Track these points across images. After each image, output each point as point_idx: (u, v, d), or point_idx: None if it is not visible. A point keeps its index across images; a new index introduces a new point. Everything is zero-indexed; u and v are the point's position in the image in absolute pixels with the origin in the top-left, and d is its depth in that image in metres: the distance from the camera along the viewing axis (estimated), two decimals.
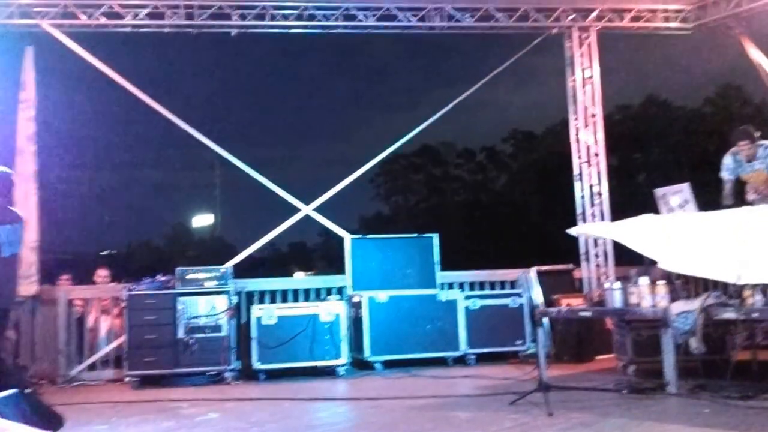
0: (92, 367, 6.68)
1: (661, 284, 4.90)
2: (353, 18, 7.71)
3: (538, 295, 7.16)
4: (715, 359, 4.87)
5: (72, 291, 6.90)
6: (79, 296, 6.86)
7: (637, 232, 5.10)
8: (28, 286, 6.36)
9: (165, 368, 6.06)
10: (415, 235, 7.25)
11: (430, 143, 28.77)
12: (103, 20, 7.31)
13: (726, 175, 6.00)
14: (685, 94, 23.64)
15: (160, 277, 6.40)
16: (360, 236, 7.21)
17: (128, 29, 7.44)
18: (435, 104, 8.46)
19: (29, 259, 6.41)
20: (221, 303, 6.23)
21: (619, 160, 22.76)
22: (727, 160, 5.99)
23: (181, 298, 6.18)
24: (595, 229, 5.43)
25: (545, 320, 6.50)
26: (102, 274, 7.46)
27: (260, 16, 7.52)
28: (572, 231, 6.36)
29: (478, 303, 7.04)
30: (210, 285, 6.30)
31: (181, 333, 6.08)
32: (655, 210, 5.41)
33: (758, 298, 4.39)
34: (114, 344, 6.64)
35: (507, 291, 7.39)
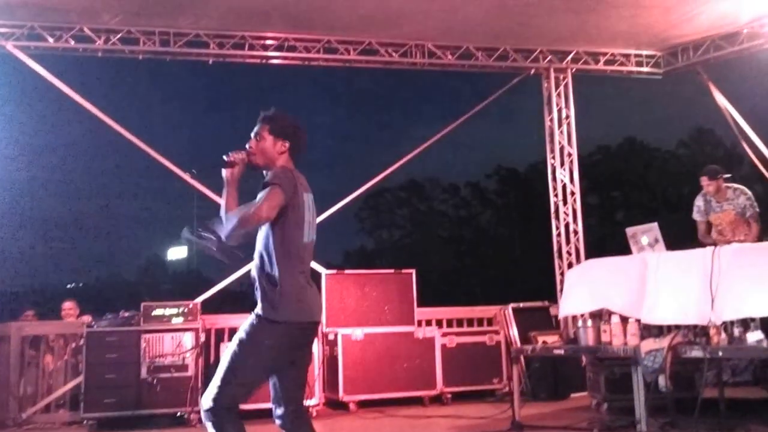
0: (47, 408, 6.25)
1: (632, 322, 4.93)
2: (335, 51, 7.76)
3: (514, 333, 7.16)
4: (684, 397, 4.89)
5: (24, 327, 6.43)
6: (34, 332, 6.41)
7: (613, 292, 5.16)
8: None
9: (126, 410, 5.72)
10: (393, 270, 7.24)
11: (416, 178, 28.97)
12: (72, 44, 7.07)
13: (697, 216, 6.12)
14: (660, 136, 24.25)
15: (124, 313, 6.13)
16: (336, 271, 7.18)
17: (99, 54, 7.22)
18: (418, 138, 8.55)
19: None
20: (188, 341, 6.01)
21: (600, 198, 23.11)
22: (699, 202, 6.11)
23: (146, 335, 5.91)
24: (583, 306, 5.46)
25: (521, 358, 6.50)
26: (67, 306, 7.14)
27: (239, 46, 7.46)
28: (562, 314, 6.36)
29: (456, 340, 6.99)
30: (177, 321, 6.06)
31: (144, 373, 5.80)
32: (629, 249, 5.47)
33: (723, 337, 4.43)
34: (71, 384, 6.25)
35: (484, 328, 7.38)
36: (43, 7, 6.62)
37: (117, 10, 6.82)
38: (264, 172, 2.89)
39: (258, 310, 2.76)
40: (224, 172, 2.87)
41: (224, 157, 2.88)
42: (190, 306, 6.23)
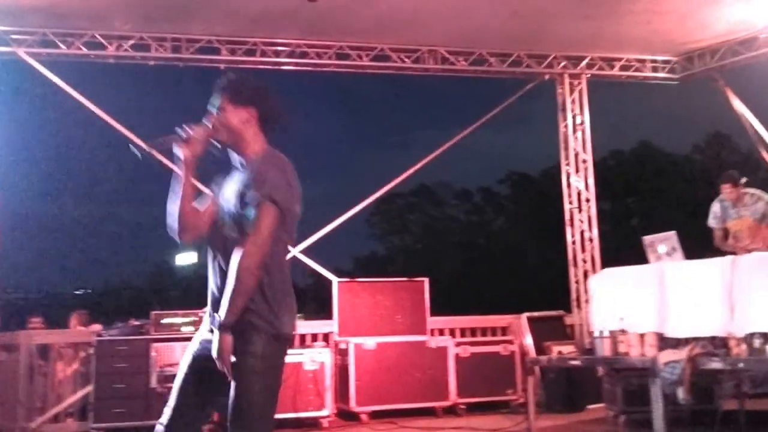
0: (55, 418, 6.18)
1: (650, 332, 4.84)
2: (346, 57, 7.72)
3: (529, 343, 7.07)
4: (703, 409, 4.79)
5: (34, 336, 6.38)
6: (43, 341, 6.34)
7: (633, 305, 5.08)
8: None
9: (135, 420, 5.65)
10: (405, 279, 7.17)
11: (427, 183, 28.86)
12: (84, 50, 7.05)
13: (713, 223, 6.00)
14: (675, 141, 23.98)
15: (134, 322, 6.10)
16: (348, 279, 7.12)
17: (111, 60, 7.20)
18: (428, 144, 8.54)
19: None
20: None
21: (613, 205, 22.89)
22: (715, 208, 6.00)
23: (156, 345, 5.88)
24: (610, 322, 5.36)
25: (536, 368, 6.41)
26: (72, 324, 7.08)
27: (251, 52, 7.44)
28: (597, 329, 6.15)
29: (469, 350, 6.91)
30: (187, 330, 5.98)
31: (153, 382, 5.77)
32: (645, 257, 5.39)
33: (743, 348, 4.34)
34: (80, 394, 6.20)
35: (498, 338, 7.28)
36: (54, 14, 6.60)
37: (128, 17, 6.78)
38: (230, 152, 2.45)
39: (256, 322, 2.28)
40: (180, 151, 2.35)
41: (179, 132, 2.37)
42: (200, 314, 6.16)
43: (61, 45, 7.02)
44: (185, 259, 30.03)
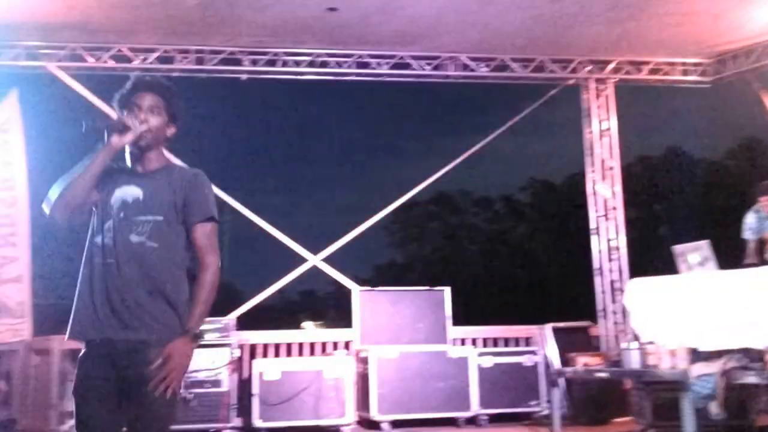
0: None
1: (681, 345, 4.68)
2: (366, 66, 7.69)
3: (553, 354, 6.91)
4: (736, 424, 4.62)
5: (68, 341, 6.51)
6: (75, 346, 6.52)
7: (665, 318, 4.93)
8: (17, 330, 6.13)
9: None
10: (426, 288, 7.07)
11: (446, 191, 28.68)
12: (111, 63, 7.21)
13: (749, 235, 5.80)
14: (706, 146, 23.39)
15: None
16: (368, 288, 7.04)
17: (137, 73, 7.31)
18: (447, 151, 8.42)
19: (15, 297, 6.19)
20: (222, 356, 6.02)
21: (639, 212, 22.46)
22: (750, 219, 5.80)
23: None
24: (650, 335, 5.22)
25: (561, 380, 6.26)
26: None
27: (272, 62, 7.49)
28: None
29: (492, 360, 6.77)
30: (211, 337, 6.06)
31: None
32: (674, 266, 5.23)
33: None
34: None
35: (522, 348, 7.14)
36: (84, 29, 6.77)
37: (154, 30, 6.92)
38: (132, 154, 2.41)
39: (171, 336, 2.29)
40: (112, 138, 2.31)
41: (122, 120, 2.35)
42: (225, 322, 6.26)
43: (90, 59, 7.19)
44: None
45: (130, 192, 2.36)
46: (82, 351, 2.39)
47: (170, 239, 2.35)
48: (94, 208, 2.37)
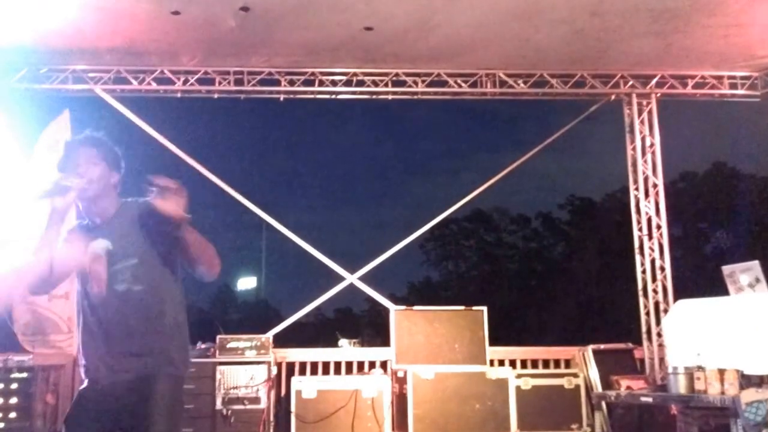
0: None
1: (731, 369, 4.50)
2: (402, 84, 7.67)
3: (594, 376, 6.72)
4: None
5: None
6: None
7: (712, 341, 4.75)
8: (65, 346, 6.27)
9: None
10: (463, 307, 6.97)
11: (482, 208, 28.45)
12: (154, 86, 7.41)
13: None
14: (754, 162, 22.61)
15: (201, 345, 6.36)
16: (405, 307, 6.97)
17: (178, 95, 7.53)
18: (481, 168, 8.36)
19: (63, 313, 6.33)
20: (261, 373, 6.10)
21: (684, 230, 21.86)
22: None
23: (221, 367, 6.10)
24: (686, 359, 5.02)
25: (602, 404, 6.07)
26: None
27: (309, 82, 7.56)
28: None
29: (531, 382, 6.65)
30: (250, 354, 6.23)
31: (219, 404, 5.96)
32: (724, 287, 5.04)
33: None
34: None
35: (562, 370, 6.99)
36: (127, 52, 6.94)
37: (195, 53, 7.07)
38: (85, 206, 2.48)
39: (167, 369, 2.37)
40: (56, 201, 2.36)
41: (60, 182, 2.38)
42: (263, 339, 6.37)
43: (133, 81, 7.37)
44: (247, 283, 30.89)
45: (101, 246, 2.41)
46: (84, 384, 2.44)
47: (153, 276, 2.40)
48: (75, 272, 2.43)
